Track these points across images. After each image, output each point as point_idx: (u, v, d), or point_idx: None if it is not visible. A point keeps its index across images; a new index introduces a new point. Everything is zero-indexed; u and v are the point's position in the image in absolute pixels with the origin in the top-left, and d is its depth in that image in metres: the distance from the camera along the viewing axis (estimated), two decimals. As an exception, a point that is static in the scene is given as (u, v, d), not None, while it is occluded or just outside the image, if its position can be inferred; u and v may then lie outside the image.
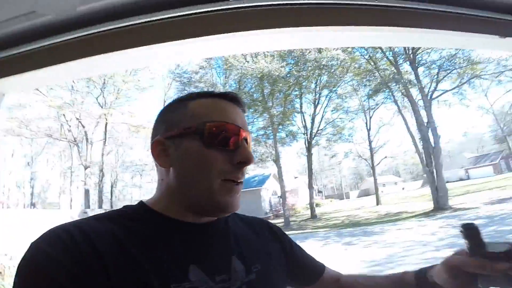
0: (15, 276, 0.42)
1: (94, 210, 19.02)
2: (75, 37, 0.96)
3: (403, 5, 0.99)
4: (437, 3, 1.07)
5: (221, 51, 1.14)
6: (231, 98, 0.59)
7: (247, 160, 0.54)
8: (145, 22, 0.93)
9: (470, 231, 0.46)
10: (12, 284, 0.42)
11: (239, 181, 0.55)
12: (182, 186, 0.54)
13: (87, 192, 21.98)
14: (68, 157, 32.58)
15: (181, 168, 0.54)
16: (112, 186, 35.77)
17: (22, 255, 0.43)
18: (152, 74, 22.76)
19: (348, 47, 15.94)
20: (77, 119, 22.81)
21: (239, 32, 0.92)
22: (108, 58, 0.99)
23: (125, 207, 0.57)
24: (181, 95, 0.62)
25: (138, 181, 47.47)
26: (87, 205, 21.39)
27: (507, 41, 1.21)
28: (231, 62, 18.04)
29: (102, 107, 22.98)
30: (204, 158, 0.52)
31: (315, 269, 0.73)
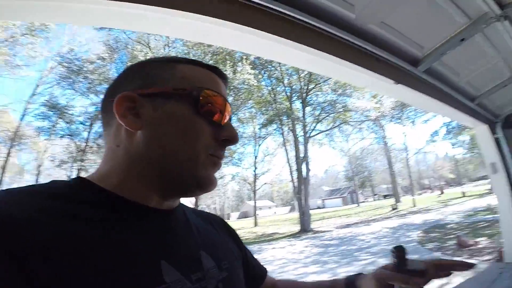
0: None
1: None
2: None
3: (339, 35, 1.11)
4: (365, 40, 1.26)
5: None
6: (220, 73, 0.53)
7: (233, 138, 0.49)
8: None
9: (399, 252, 0.55)
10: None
11: (221, 157, 0.49)
12: (153, 155, 0.43)
13: None
14: None
15: (158, 132, 0.44)
16: None
17: None
18: (35, 53, 17.59)
19: (258, 75, 17.43)
20: None
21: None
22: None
23: (53, 182, 0.41)
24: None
25: None
26: None
27: (398, 88, 1.49)
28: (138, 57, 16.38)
29: None
30: (193, 126, 0.45)
31: (260, 271, 0.70)
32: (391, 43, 1.39)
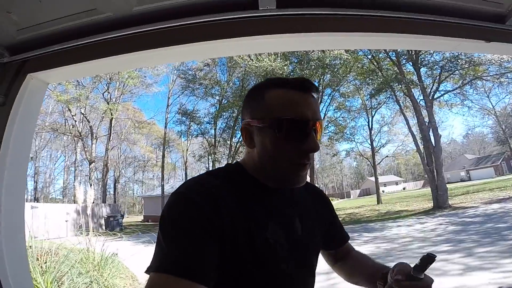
0: (165, 216, 0.56)
1: (99, 205, 19.33)
2: (127, 34, 1.10)
3: (405, 16, 1.18)
4: (431, 13, 1.27)
5: (244, 51, 1.34)
6: (301, 86, 0.66)
7: (313, 150, 0.64)
8: (187, 24, 1.10)
9: (429, 259, 0.59)
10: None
11: (306, 163, 0.66)
12: (262, 163, 0.68)
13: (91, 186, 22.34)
14: (72, 152, 32.91)
15: (260, 150, 0.67)
16: (115, 182, 36.12)
17: (169, 202, 0.58)
18: (158, 71, 23.03)
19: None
20: (82, 114, 23.11)
21: (259, 36, 1.11)
22: (154, 53, 1.17)
23: (228, 165, 0.75)
24: (257, 83, 0.75)
25: (140, 177, 47.88)
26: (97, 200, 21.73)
27: (492, 45, 1.43)
28: (235, 60, 18.21)
29: (108, 103, 23.31)
30: (276, 148, 0.64)
31: (340, 239, 0.91)
32: (458, 8, 1.32)
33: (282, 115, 0.63)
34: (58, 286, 3.14)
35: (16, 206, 1.21)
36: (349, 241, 0.93)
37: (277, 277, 0.63)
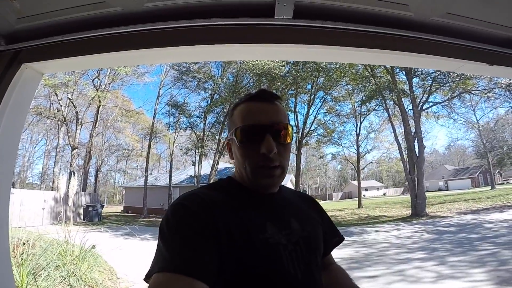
0: (164, 225, 0.60)
1: (78, 193, 18.75)
2: (136, 30, 1.06)
3: (413, 35, 1.19)
4: (437, 34, 1.29)
5: (255, 57, 1.31)
6: (258, 97, 0.75)
7: (267, 151, 0.68)
8: (195, 25, 1.07)
9: None
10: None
11: (271, 165, 0.69)
12: (241, 172, 0.75)
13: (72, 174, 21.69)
14: (54, 136, 31.74)
15: (235, 161, 0.76)
16: (97, 170, 35.15)
17: (167, 213, 0.62)
18: None
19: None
20: (69, 99, 22.27)
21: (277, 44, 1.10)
22: (162, 51, 1.13)
23: (220, 180, 0.80)
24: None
25: (123, 166, 46.81)
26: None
27: (494, 68, 1.47)
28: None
29: (97, 90, 22.54)
30: (241, 155, 0.72)
31: (335, 240, 0.90)
32: (463, 30, 1.35)
33: (240, 125, 0.71)
34: (34, 279, 3.02)
35: (1, 200, 1.15)
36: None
37: (282, 278, 0.64)
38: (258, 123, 0.70)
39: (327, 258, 0.90)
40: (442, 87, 17.87)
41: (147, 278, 0.56)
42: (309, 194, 0.99)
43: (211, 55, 1.19)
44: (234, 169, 0.80)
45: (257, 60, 16.83)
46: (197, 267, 0.54)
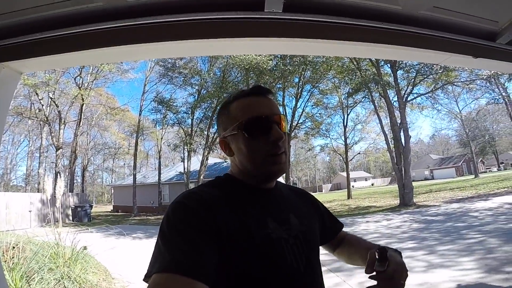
0: (165, 225, 0.60)
1: (66, 194, 18.28)
2: (119, 26, 1.01)
3: (401, 28, 1.19)
4: (424, 27, 1.31)
5: (245, 51, 1.29)
6: (254, 92, 0.77)
7: (278, 138, 0.71)
8: (181, 20, 1.03)
9: (383, 253, 0.71)
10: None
11: (279, 153, 0.72)
12: (244, 166, 0.75)
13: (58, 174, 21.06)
14: (37, 137, 30.68)
15: (238, 155, 0.75)
16: (83, 169, 34.29)
17: (167, 212, 0.63)
18: None
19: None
20: (51, 98, 21.47)
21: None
22: (148, 47, 1.08)
23: (217, 177, 0.81)
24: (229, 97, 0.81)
25: (110, 165, 45.87)
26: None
27: (478, 61, 1.50)
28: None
29: (79, 88, 21.77)
30: (249, 147, 0.72)
31: (335, 228, 0.97)
32: (449, 24, 1.36)
33: (245, 118, 0.72)
34: (28, 283, 2.93)
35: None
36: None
37: (285, 272, 0.67)
38: (264, 115, 0.72)
39: (340, 234, 0.98)
40: (425, 79, 18.28)
41: (146, 278, 0.55)
42: (300, 187, 1.00)
43: (199, 50, 1.16)
44: (226, 164, 0.80)
45: (244, 55, 16.68)
46: (198, 267, 0.54)
